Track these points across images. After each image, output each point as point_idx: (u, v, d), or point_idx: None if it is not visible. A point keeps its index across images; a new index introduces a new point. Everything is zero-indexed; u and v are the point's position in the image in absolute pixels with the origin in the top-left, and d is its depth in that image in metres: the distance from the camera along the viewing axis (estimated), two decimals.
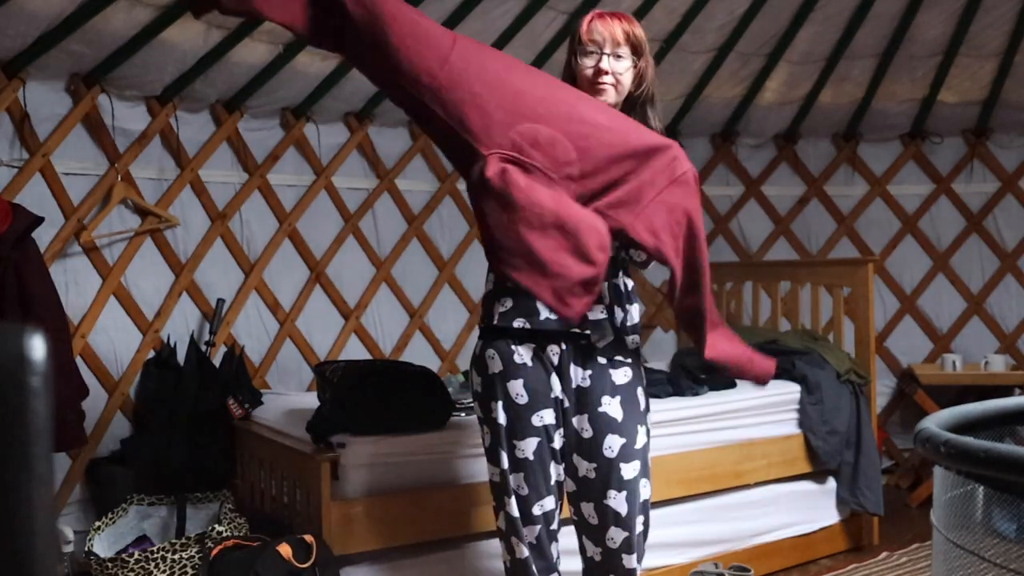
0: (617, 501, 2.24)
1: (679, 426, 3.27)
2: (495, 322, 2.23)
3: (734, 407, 3.49)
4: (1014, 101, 4.79)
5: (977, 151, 5.02)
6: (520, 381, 2.22)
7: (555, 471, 2.27)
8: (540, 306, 2.18)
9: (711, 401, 3.47)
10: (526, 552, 2.28)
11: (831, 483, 3.69)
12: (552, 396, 2.24)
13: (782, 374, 3.76)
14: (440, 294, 4.52)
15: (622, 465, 2.23)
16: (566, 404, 2.26)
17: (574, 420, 2.26)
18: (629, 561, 2.27)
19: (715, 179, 5.17)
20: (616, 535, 2.26)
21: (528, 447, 2.23)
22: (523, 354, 2.23)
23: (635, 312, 2.28)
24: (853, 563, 3.56)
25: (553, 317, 2.17)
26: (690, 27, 4.20)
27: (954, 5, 4.26)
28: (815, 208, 5.17)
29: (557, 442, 2.26)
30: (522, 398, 2.23)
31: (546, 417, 2.24)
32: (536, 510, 2.26)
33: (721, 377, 3.72)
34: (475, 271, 4.63)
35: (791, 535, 3.57)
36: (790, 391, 3.66)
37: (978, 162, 5.04)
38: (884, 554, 3.63)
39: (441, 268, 4.53)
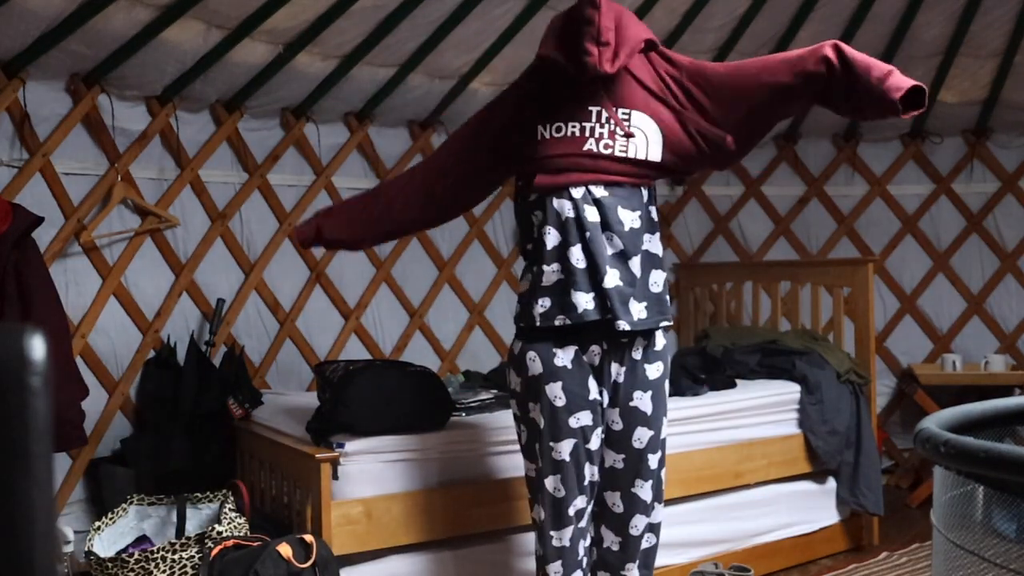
0: (643, 490, 2.34)
1: (679, 426, 3.26)
2: (537, 324, 2.26)
3: (734, 407, 3.49)
4: (1014, 101, 4.79)
5: (977, 151, 5.02)
6: (559, 384, 2.27)
7: (589, 471, 2.34)
8: (579, 301, 2.20)
9: (711, 401, 3.47)
10: (554, 552, 2.35)
11: (831, 483, 3.69)
12: (590, 399, 2.29)
13: (782, 374, 3.77)
14: (440, 294, 4.52)
15: (649, 456, 2.33)
16: (604, 403, 2.32)
17: (606, 413, 2.33)
18: (644, 543, 2.39)
19: (715, 179, 5.17)
20: (639, 522, 2.36)
21: (564, 449, 2.29)
22: (563, 357, 2.27)
23: (660, 280, 2.30)
24: (853, 563, 3.56)
25: (591, 308, 2.19)
26: (690, 27, 4.20)
27: (954, 5, 4.26)
28: (815, 208, 5.17)
29: (594, 443, 2.32)
30: (560, 400, 2.27)
31: (583, 419, 2.29)
32: (571, 511, 2.33)
33: (721, 376, 3.73)
34: (475, 271, 4.63)
35: (791, 535, 3.57)
36: (790, 391, 3.66)
37: (978, 162, 5.04)
38: (884, 554, 3.63)
39: (441, 268, 4.52)
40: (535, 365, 2.28)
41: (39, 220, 3.05)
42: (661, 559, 3.12)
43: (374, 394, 2.80)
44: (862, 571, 3.47)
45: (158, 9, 3.22)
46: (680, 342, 4.97)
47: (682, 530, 3.25)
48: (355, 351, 4.26)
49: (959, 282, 5.04)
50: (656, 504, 2.38)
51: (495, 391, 3.31)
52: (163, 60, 3.48)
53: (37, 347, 0.50)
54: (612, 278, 2.19)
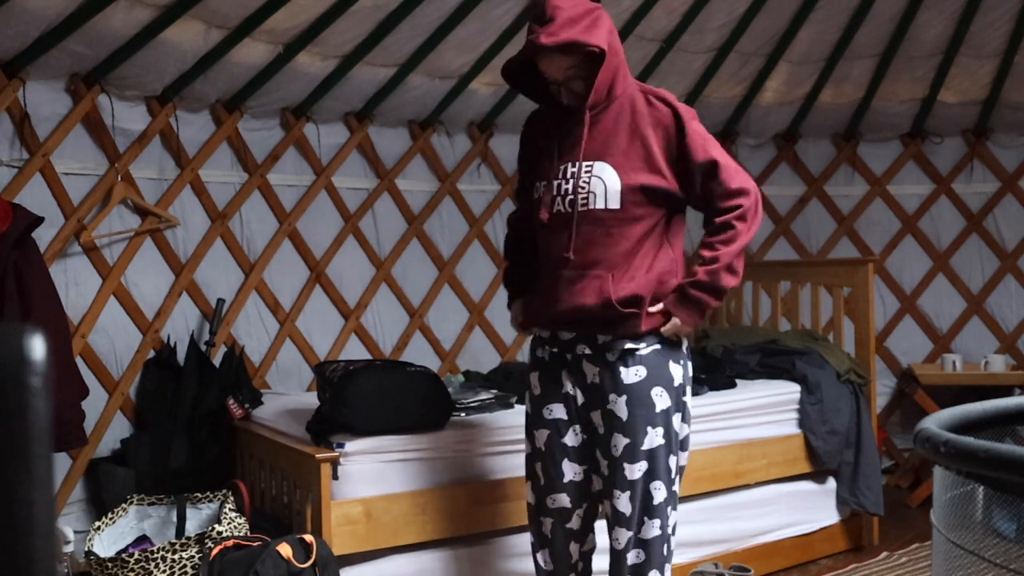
0: (621, 501, 2.25)
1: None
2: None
3: (734, 407, 3.49)
4: (1014, 101, 4.79)
5: (977, 151, 5.02)
6: (537, 374, 2.36)
7: (570, 469, 2.32)
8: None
9: (711, 401, 3.47)
10: (542, 539, 2.37)
11: (831, 483, 3.69)
12: (562, 391, 2.31)
13: (782, 374, 3.77)
14: (440, 294, 4.52)
15: (626, 465, 2.24)
16: (579, 400, 2.30)
17: (591, 416, 2.31)
18: (631, 558, 2.29)
19: None
20: (621, 536, 2.27)
21: (541, 437, 2.35)
22: (544, 349, 2.36)
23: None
24: (853, 563, 3.57)
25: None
26: (690, 27, 4.20)
27: (954, 5, 4.26)
28: (815, 208, 5.17)
29: (570, 439, 2.31)
30: (536, 390, 2.36)
31: (555, 411, 2.32)
32: (549, 502, 2.34)
33: (721, 376, 3.73)
34: (475, 271, 4.63)
35: (791, 535, 3.57)
36: (790, 391, 3.66)
37: (978, 162, 5.04)
38: (884, 554, 3.63)
39: (441, 268, 4.52)
40: (528, 356, 2.44)
41: (39, 220, 3.05)
42: None
43: (374, 394, 2.80)
44: (862, 571, 3.47)
45: (158, 9, 3.22)
46: None
47: (682, 530, 3.22)
48: (355, 351, 4.25)
49: (959, 282, 5.04)
50: (645, 519, 2.26)
51: (495, 391, 3.30)
52: (163, 60, 3.48)
53: (37, 347, 0.50)
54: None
